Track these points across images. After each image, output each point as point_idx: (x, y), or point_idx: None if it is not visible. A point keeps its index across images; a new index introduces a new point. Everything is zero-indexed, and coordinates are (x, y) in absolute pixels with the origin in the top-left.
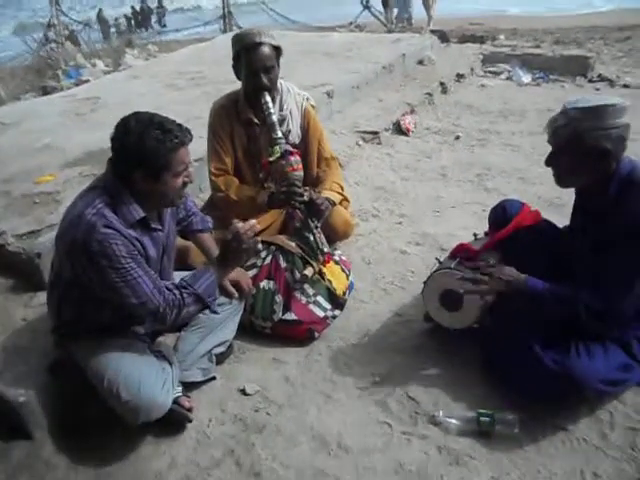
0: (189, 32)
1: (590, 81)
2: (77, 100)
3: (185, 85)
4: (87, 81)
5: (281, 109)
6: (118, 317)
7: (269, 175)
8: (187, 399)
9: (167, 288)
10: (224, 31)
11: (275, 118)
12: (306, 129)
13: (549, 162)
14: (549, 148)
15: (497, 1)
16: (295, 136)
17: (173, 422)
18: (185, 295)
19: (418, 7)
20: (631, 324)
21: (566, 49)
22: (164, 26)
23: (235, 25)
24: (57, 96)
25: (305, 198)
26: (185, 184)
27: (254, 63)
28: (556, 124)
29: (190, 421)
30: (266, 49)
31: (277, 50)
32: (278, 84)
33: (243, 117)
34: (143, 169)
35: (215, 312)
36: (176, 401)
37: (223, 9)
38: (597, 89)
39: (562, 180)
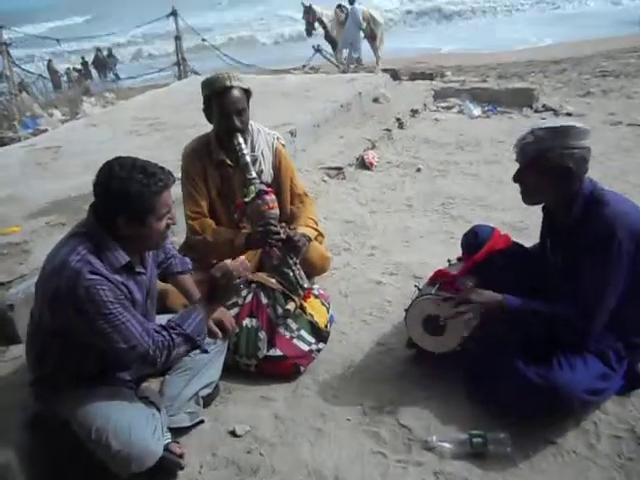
0: (143, 79)
1: (536, 111)
2: (37, 150)
3: (145, 131)
4: (45, 131)
5: (253, 150)
6: (103, 364)
7: (244, 215)
8: (177, 445)
9: (155, 330)
10: (179, 77)
11: (248, 159)
12: (278, 168)
13: (516, 179)
14: (506, 176)
15: (434, 40)
16: (267, 175)
17: (164, 470)
18: (174, 335)
19: (366, 49)
20: (605, 335)
21: (510, 82)
22: (116, 75)
23: (190, 71)
24: (16, 146)
25: (282, 236)
26: (168, 226)
27: (226, 107)
28: (523, 142)
29: (182, 468)
30: (236, 92)
31: (247, 92)
32: (249, 125)
33: (215, 159)
34: (127, 214)
35: (206, 351)
36: (166, 448)
37: (177, 55)
38: (543, 118)
39: (528, 197)
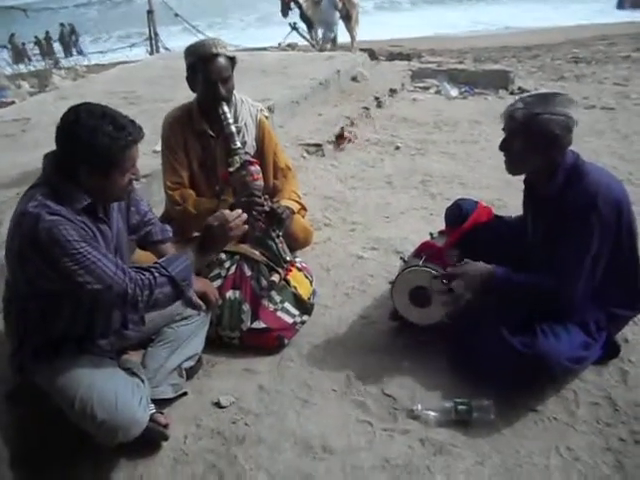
0: (114, 55)
1: (512, 93)
2: (4, 122)
3: (119, 104)
4: (12, 103)
5: (236, 120)
6: (84, 327)
7: (226, 187)
8: (162, 416)
9: (134, 270)
10: (151, 52)
11: (234, 128)
12: (261, 140)
13: (503, 146)
14: (483, 155)
15: (405, 27)
16: (250, 147)
17: (148, 440)
18: (157, 274)
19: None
20: (588, 306)
21: (485, 65)
22: (80, 52)
23: (162, 47)
24: None
25: (266, 208)
26: (131, 181)
27: (212, 74)
28: (512, 108)
29: (166, 439)
30: (222, 60)
31: (232, 60)
32: (233, 95)
33: (197, 129)
34: (91, 165)
35: (190, 300)
36: (151, 418)
37: (149, 31)
38: None
39: (512, 165)
